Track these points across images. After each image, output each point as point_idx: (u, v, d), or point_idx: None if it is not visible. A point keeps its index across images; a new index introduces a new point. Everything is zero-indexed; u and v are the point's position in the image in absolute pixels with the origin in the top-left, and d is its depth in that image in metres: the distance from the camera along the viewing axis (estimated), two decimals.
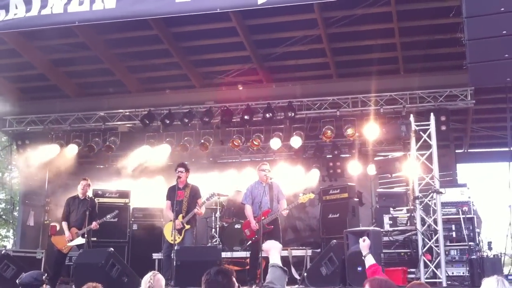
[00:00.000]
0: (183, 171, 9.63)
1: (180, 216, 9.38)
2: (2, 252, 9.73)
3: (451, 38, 9.60)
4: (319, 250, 10.81)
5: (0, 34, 9.66)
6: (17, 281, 6.01)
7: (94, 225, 9.79)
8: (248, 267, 9.66)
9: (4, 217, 23.70)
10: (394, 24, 10.82)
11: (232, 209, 12.14)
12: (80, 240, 9.68)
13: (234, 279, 3.72)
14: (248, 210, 9.21)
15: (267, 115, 12.00)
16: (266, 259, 9.12)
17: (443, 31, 10.63)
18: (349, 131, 11.97)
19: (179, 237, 9.29)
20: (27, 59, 12.19)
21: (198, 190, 9.78)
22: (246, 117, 12.12)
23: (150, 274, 4.90)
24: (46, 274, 6.19)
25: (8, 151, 14.74)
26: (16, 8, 7.73)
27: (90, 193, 10.25)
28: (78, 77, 13.32)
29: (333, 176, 13.45)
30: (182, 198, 9.53)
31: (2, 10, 7.81)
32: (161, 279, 4.91)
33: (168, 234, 9.44)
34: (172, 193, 9.64)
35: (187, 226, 9.41)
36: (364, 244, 5.94)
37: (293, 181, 12.92)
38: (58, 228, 11.65)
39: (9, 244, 24.07)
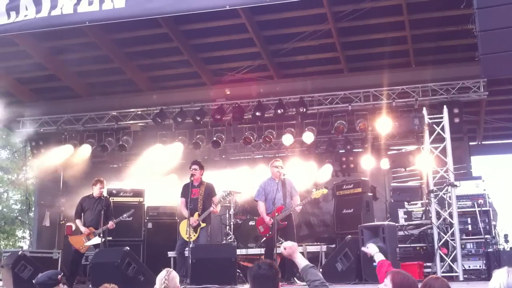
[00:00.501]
0: (197, 169, 9.62)
1: (196, 214, 9.40)
2: (19, 253, 9.78)
3: (462, 30, 9.52)
4: (333, 245, 10.81)
5: (11, 35, 9.67)
6: (33, 281, 6.08)
7: (111, 224, 9.84)
8: None
9: (20, 218, 23.93)
10: (404, 16, 10.74)
11: (246, 206, 12.15)
12: (97, 240, 9.75)
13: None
14: (261, 207, 9.21)
15: (279, 111, 11.97)
16: (281, 255, 9.22)
17: (454, 22, 10.54)
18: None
19: (194, 235, 9.31)
20: (38, 60, 12.24)
21: (213, 188, 9.79)
22: (257, 113, 12.11)
23: (164, 272, 4.87)
24: (62, 273, 6.23)
25: (23, 152, 14.84)
26: (26, 9, 7.78)
27: (104, 193, 10.30)
28: (89, 77, 13.35)
29: (346, 171, 13.41)
30: (197, 196, 9.53)
31: (13, 11, 7.86)
32: (176, 277, 4.89)
33: (184, 231, 9.44)
34: (186, 190, 9.61)
35: (203, 224, 9.43)
36: (367, 250, 5.86)
37: (306, 176, 12.90)
38: (74, 228, 11.72)
39: (25, 245, 24.33)
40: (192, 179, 9.58)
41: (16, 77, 13.08)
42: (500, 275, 3.89)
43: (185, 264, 9.18)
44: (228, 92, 12.61)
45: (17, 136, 14.24)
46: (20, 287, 9.09)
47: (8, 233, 25.47)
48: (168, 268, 4.98)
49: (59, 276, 6.01)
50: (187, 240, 9.25)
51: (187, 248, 9.15)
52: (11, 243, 25.60)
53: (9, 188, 25.58)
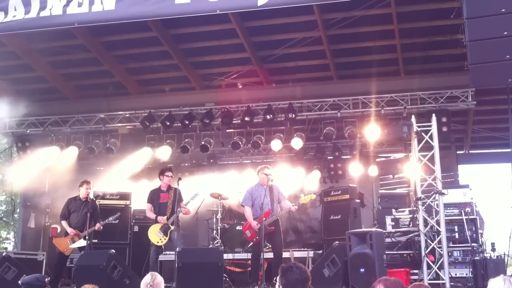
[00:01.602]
0: (171, 175, 9.67)
1: (165, 217, 9.41)
2: (3, 254, 9.68)
3: (451, 40, 9.61)
4: (321, 251, 10.81)
5: None
6: (19, 282, 6.01)
7: (98, 226, 9.79)
8: (249, 268, 9.63)
9: (4, 219, 23.68)
10: (394, 25, 10.81)
11: (233, 210, 12.12)
12: (82, 243, 9.67)
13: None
14: (248, 212, 9.20)
15: (268, 116, 11.96)
16: (268, 260, 9.21)
17: (443, 32, 10.64)
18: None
19: (165, 238, 9.29)
20: (26, 61, 12.16)
21: (181, 193, 9.80)
22: (246, 118, 12.09)
23: (149, 276, 4.78)
24: (49, 278, 6.17)
25: (8, 153, 14.70)
26: (15, 10, 7.70)
27: (91, 195, 10.23)
28: (77, 79, 13.30)
29: (334, 178, 13.45)
30: (166, 200, 9.58)
31: (1, 12, 7.77)
32: (161, 282, 4.81)
33: (153, 236, 9.43)
34: (155, 195, 9.73)
35: (172, 227, 9.39)
36: None
37: (294, 182, 12.91)
38: (59, 230, 11.62)
39: (10, 246, 24.08)
40: (161, 184, 9.62)
41: (3, 78, 12.96)
42: (496, 283, 3.90)
43: (158, 269, 9.17)
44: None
45: (3, 137, 14.12)
46: None
47: None
48: (153, 272, 4.89)
49: (46, 280, 5.96)
50: (157, 244, 9.27)
51: (165, 252, 9.14)
52: None
53: None
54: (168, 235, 9.34)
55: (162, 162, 12.54)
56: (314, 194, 9.56)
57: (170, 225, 9.37)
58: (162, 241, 9.27)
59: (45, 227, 13.09)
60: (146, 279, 4.73)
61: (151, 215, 9.69)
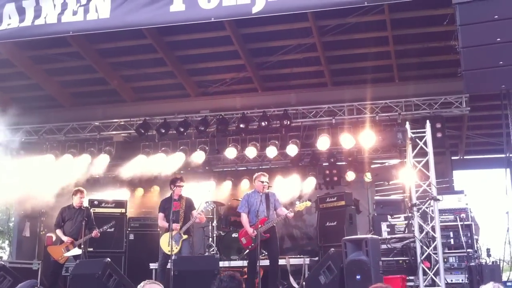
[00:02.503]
0: (183, 185, 9.63)
1: (178, 225, 9.36)
2: None
3: (445, 46, 9.67)
4: (317, 258, 10.80)
5: None
6: None
7: (95, 233, 9.77)
8: (245, 276, 9.61)
9: (0, 228, 23.57)
10: (388, 32, 10.85)
11: (229, 218, 12.11)
12: (77, 251, 9.64)
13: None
14: (244, 218, 9.21)
15: (263, 123, 11.98)
16: (264, 267, 9.19)
17: (437, 39, 10.68)
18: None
19: (176, 248, 9.25)
20: (21, 69, 12.14)
21: (193, 202, 9.84)
22: (241, 125, 12.10)
23: (142, 284, 4.64)
24: (38, 284, 6.15)
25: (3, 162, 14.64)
26: (10, 18, 7.70)
27: (85, 203, 10.20)
28: (72, 87, 13.28)
29: (330, 184, 13.45)
30: (178, 209, 9.52)
31: None
32: None
33: (165, 245, 9.40)
34: (167, 204, 9.64)
35: (185, 236, 9.38)
36: None
37: (290, 189, 12.91)
38: (54, 238, 11.57)
39: (5, 255, 23.94)
40: (173, 193, 9.58)
41: None
42: None
43: (165, 277, 9.15)
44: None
45: None
46: None
47: None
48: (148, 280, 4.73)
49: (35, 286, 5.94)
50: (169, 253, 9.23)
51: (169, 261, 9.10)
52: None
53: None
54: (180, 244, 9.31)
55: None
56: (310, 201, 9.60)
57: (182, 234, 9.35)
58: (173, 250, 9.23)
59: (40, 235, 13.05)
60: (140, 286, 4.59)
61: (163, 224, 9.61)
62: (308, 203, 9.54)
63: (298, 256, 11.16)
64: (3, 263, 9.91)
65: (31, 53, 11.71)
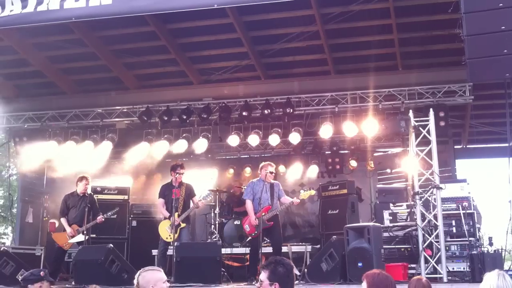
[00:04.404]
0: (183, 172, 9.63)
1: (176, 214, 9.40)
2: (1, 249, 9.70)
3: (449, 34, 9.61)
4: (318, 246, 10.83)
5: None
6: (19, 278, 6.04)
7: (100, 218, 9.82)
8: (247, 263, 9.66)
9: (2, 214, 23.68)
10: (391, 20, 10.79)
11: (231, 205, 12.14)
12: (81, 237, 9.70)
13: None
14: (249, 205, 9.23)
15: (266, 111, 11.95)
16: (266, 255, 9.24)
17: (441, 27, 10.62)
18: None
19: (175, 235, 9.29)
20: (24, 56, 12.13)
21: (193, 188, 9.87)
22: (244, 113, 12.08)
23: (138, 273, 4.39)
24: (45, 270, 6.17)
25: (6, 148, 14.69)
26: (12, 4, 7.68)
27: (89, 190, 10.23)
28: (75, 74, 13.26)
29: (332, 172, 13.47)
30: (178, 196, 9.55)
31: None
32: (151, 278, 4.31)
33: (163, 232, 9.47)
34: (167, 191, 9.69)
35: (183, 225, 9.42)
36: None
37: (292, 177, 12.94)
38: (57, 224, 11.63)
39: (8, 241, 24.07)
40: (173, 180, 9.58)
41: (0, 73, 12.93)
42: (490, 278, 3.95)
43: (166, 264, 9.21)
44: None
45: (0, 132, 14.07)
46: (2, 283, 8.99)
47: None
48: (146, 267, 4.63)
49: (42, 273, 5.95)
50: (166, 240, 9.28)
51: (170, 247, 9.15)
52: None
53: None
54: (178, 232, 9.34)
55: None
56: (314, 190, 9.65)
57: (180, 222, 9.38)
58: (171, 237, 9.27)
59: (43, 221, 13.09)
60: (136, 275, 4.49)
61: (163, 212, 9.65)
62: (313, 192, 9.61)
63: (300, 243, 11.21)
64: (6, 248, 9.95)
65: (34, 40, 11.67)
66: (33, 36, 11.40)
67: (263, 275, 3.86)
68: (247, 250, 9.88)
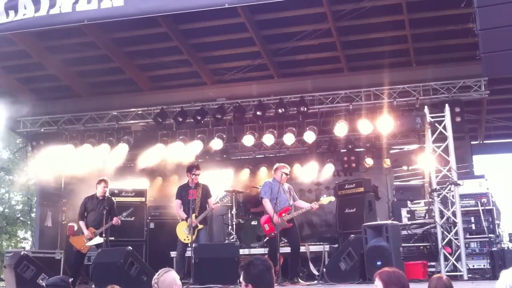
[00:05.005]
0: (199, 173, 9.64)
1: (193, 215, 9.40)
2: (21, 253, 9.77)
3: (463, 29, 9.53)
4: (336, 245, 10.80)
5: (9, 35, 9.63)
6: (44, 283, 6.10)
7: (116, 220, 9.85)
8: None
9: (21, 218, 23.89)
10: (404, 15, 10.71)
11: (248, 205, 12.13)
12: (99, 240, 9.74)
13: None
14: (269, 204, 9.18)
15: (280, 110, 11.92)
16: (284, 255, 9.22)
17: (454, 21, 10.52)
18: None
19: (192, 236, 9.30)
20: (38, 60, 12.20)
21: (209, 189, 9.88)
22: (258, 113, 12.06)
23: (156, 275, 4.60)
24: (72, 279, 6.26)
25: (23, 153, 14.79)
26: (25, 8, 7.74)
27: (107, 193, 10.29)
28: (89, 77, 13.30)
29: (348, 171, 13.40)
30: (195, 197, 9.55)
31: (11, 10, 7.82)
32: (169, 278, 4.54)
33: (181, 233, 9.48)
34: (183, 192, 9.71)
35: (200, 226, 9.43)
36: None
37: (308, 176, 12.89)
38: (76, 228, 11.70)
39: (27, 246, 24.31)
40: (190, 180, 9.60)
41: (16, 77, 13.03)
42: (506, 275, 3.89)
43: (185, 265, 9.23)
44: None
45: (17, 136, 14.15)
46: (22, 287, 9.07)
47: (10, 233, 25.44)
48: (165, 269, 4.68)
49: (70, 280, 6.06)
50: (184, 241, 9.29)
51: (189, 248, 9.17)
52: (13, 244, 25.59)
53: (10, 189, 25.55)
54: (196, 233, 9.36)
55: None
56: (333, 197, 9.80)
57: (198, 224, 9.39)
58: (189, 239, 9.29)
59: (62, 225, 13.17)
60: (155, 275, 4.61)
61: (180, 213, 9.70)
62: (332, 198, 9.71)
63: (318, 243, 11.17)
64: (26, 252, 10.02)
65: (47, 43, 11.75)
66: (47, 40, 11.49)
67: (241, 276, 3.86)
68: (265, 250, 9.87)
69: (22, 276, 9.26)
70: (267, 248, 9.60)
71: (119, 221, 9.94)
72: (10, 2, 7.83)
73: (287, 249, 9.39)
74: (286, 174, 9.31)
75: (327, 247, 10.39)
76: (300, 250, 9.48)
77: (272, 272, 3.81)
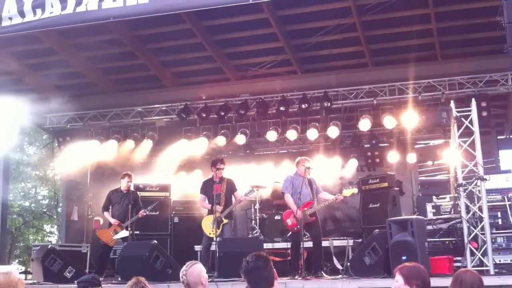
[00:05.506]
0: (223, 167, 9.67)
1: (218, 207, 9.46)
2: (49, 247, 9.93)
3: (489, 22, 9.39)
4: (360, 240, 10.77)
5: (37, 32, 9.78)
6: (75, 281, 6.21)
7: (141, 213, 9.96)
8: (289, 258, 9.66)
9: (48, 213, 24.27)
10: (430, 9, 10.60)
11: (271, 200, 12.16)
12: (125, 233, 9.87)
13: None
14: (290, 199, 9.19)
15: (303, 105, 11.92)
16: (307, 249, 9.22)
17: (480, 15, 10.38)
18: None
19: (217, 231, 9.35)
20: (64, 57, 12.36)
21: (234, 183, 9.92)
22: (282, 108, 12.07)
23: (184, 267, 4.70)
24: (102, 278, 6.40)
25: (50, 148, 15.04)
26: (52, 6, 7.86)
27: (132, 187, 10.41)
28: (114, 74, 13.46)
29: (372, 166, 13.35)
30: (220, 192, 9.60)
31: (38, 8, 7.94)
32: (196, 270, 4.65)
33: (206, 227, 9.55)
34: (208, 186, 9.77)
35: (225, 221, 9.48)
36: None
37: (331, 171, 12.86)
38: (101, 222, 11.85)
39: (54, 240, 24.74)
40: (214, 175, 9.65)
41: (41, 74, 13.22)
42: None
43: (210, 259, 9.30)
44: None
45: (44, 132, 14.34)
46: (50, 280, 9.23)
47: (36, 227, 25.89)
48: (192, 261, 4.79)
49: (101, 278, 6.19)
50: (209, 235, 9.36)
51: (214, 242, 9.24)
52: (39, 238, 26.03)
53: (37, 184, 25.98)
54: (221, 228, 9.42)
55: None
56: (356, 189, 9.72)
57: (223, 218, 9.44)
58: (214, 233, 9.36)
59: (88, 219, 13.35)
60: (182, 267, 4.71)
61: (205, 205, 9.79)
62: (355, 190, 9.67)
63: (341, 238, 11.16)
64: (53, 246, 10.20)
65: (73, 41, 11.89)
66: (73, 37, 11.62)
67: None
68: (288, 244, 9.89)
69: (49, 269, 9.39)
70: (290, 243, 9.60)
71: (145, 214, 10.05)
72: (37, 1, 7.95)
73: (310, 244, 9.38)
74: (308, 168, 9.28)
75: (350, 242, 10.37)
76: (324, 245, 9.47)
77: (270, 267, 3.83)
